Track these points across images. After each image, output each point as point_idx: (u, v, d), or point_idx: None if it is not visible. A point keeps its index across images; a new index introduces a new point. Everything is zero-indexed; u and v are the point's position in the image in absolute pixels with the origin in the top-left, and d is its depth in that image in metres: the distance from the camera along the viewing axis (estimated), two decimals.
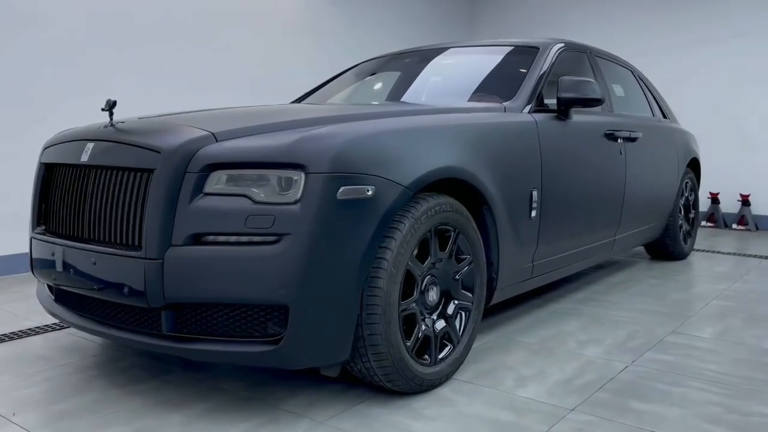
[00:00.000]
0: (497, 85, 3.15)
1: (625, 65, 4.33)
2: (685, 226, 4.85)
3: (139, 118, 2.29)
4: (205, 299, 1.91)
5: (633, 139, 3.74)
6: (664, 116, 4.66)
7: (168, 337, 2.00)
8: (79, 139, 2.24)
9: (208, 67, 5.29)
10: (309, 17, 6.19)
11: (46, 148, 2.41)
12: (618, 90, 4.09)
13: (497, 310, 3.29)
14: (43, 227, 2.39)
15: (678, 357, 2.60)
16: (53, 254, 2.23)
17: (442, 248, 2.28)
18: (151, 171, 1.97)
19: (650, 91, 4.60)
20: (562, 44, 3.44)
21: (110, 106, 2.16)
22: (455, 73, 3.44)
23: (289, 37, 6.01)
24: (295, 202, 1.87)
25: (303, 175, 1.88)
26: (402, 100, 3.41)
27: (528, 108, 2.91)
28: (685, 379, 2.37)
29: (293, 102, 3.91)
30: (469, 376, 2.38)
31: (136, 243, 1.99)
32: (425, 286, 2.22)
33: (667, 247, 4.66)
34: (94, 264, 2.06)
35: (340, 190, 1.89)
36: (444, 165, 2.21)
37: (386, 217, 1.99)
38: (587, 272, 4.29)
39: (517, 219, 2.64)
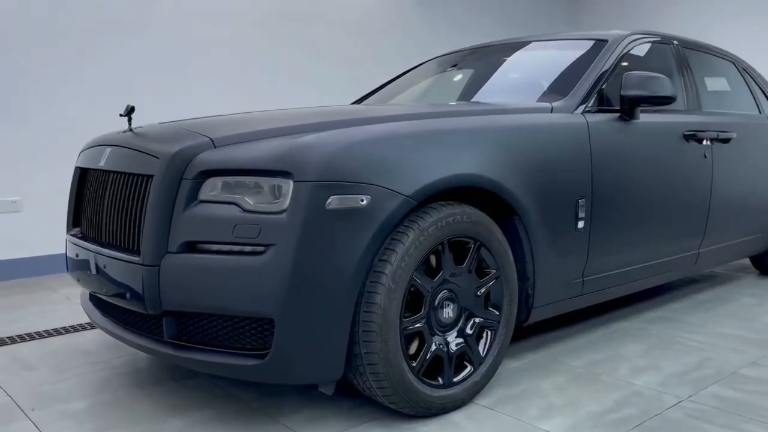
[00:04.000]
0: (557, 82, 2.89)
1: (725, 56, 3.85)
2: None
3: (159, 124, 2.31)
4: (198, 308, 1.88)
5: (725, 140, 3.31)
6: None
7: (168, 344, 1.99)
8: (101, 144, 2.30)
9: (290, 66, 5.36)
10: (403, 20, 6.11)
11: (81, 152, 2.50)
12: (713, 84, 3.65)
13: (551, 326, 3.04)
14: (78, 229, 2.48)
15: (746, 394, 2.25)
16: (77, 255, 2.31)
17: (461, 261, 2.11)
18: (150, 177, 1.96)
19: (758, 86, 4.07)
20: (637, 36, 3.11)
21: (128, 111, 2.19)
22: (517, 71, 3.22)
23: (390, 39, 5.96)
24: (282, 212, 1.79)
25: (291, 184, 1.80)
26: (459, 99, 3.23)
27: (582, 108, 2.64)
28: (743, 421, 2.03)
29: (353, 103, 3.83)
30: (492, 400, 2.19)
31: (137, 248, 1.99)
32: (439, 302, 2.06)
33: None
34: (105, 267, 2.10)
35: (330, 199, 1.79)
36: (458, 173, 2.03)
37: (383, 229, 1.86)
38: (670, 287, 3.88)
39: (559, 230, 2.40)
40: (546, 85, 2.95)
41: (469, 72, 3.70)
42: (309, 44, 5.48)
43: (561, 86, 2.82)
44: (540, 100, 2.76)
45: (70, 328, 3.07)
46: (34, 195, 4.25)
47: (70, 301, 3.60)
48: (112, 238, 2.14)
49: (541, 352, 2.69)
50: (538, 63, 3.17)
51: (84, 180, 2.45)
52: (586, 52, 3.02)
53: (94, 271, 2.18)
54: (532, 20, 7.49)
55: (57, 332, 3.01)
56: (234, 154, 1.90)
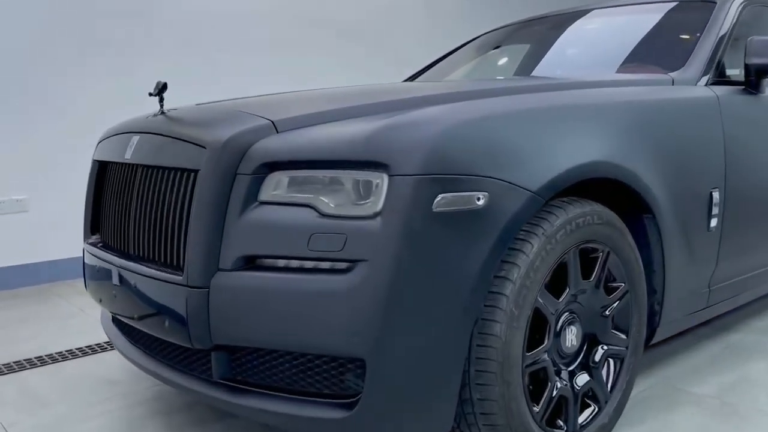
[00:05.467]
0: (657, 51, 2.42)
1: None
2: None
3: (196, 105, 1.86)
4: (259, 343, 1.44)
5: None
6: None
7: (219, 386, 1.55)
8: (126, 131, 1.85)
9: (322, 49, 4.90)
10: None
11: (100, 142, 2.05)
12: None
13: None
14: (98, 236, 2.03)
15: None
16: (98, 270, 1.86)
17: (586, 275, 1.66)
18: (194, 172, 1.51)
19: None
20: None
21: (159, 89, 1.73)
22: (600, 40, 2.74)
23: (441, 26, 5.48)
24: (375, 216, 1.34)
25: (385, 178, 1.34)
26: (533, 74, 2.77)
27: (705, 79, 2.17)
28: None
29: (405, 81, 3.37)
30: None
31: (178, 264, 1.55)
32: (561, 326, 1.61)
33: None
34: (135, 287, 1.66)
35: (438, 198, 1.33)
36: (591, 160, 1.58)
37: (505, 236, 1.41)
38: None
39: (692, 230, 1.94)
40: (624, 55, 2.48)
41: (526, 47, 3.25)
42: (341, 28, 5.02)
43: (665, 56, 2.35)
44: (621, 71, 2.30)
45: (87, 349, 2.63)
46: (42, 193, 3.81)
47: (85, 314, 3.16)
48: (143, 249, 1.69)
49: (653, 376, 2.23)
50: (623, 31, 2.69)
51: (104, 176, 2.00)
52: (685, 16, 2.55)
53: (119, 290, 1.74)
54: None
55: (73, 354, 2.57)
56: (305, 141, 1.45)
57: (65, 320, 3.05)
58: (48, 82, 3.78)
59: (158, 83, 1.75)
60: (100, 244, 1.96)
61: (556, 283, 1.58)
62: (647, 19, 2.64)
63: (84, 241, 2.04)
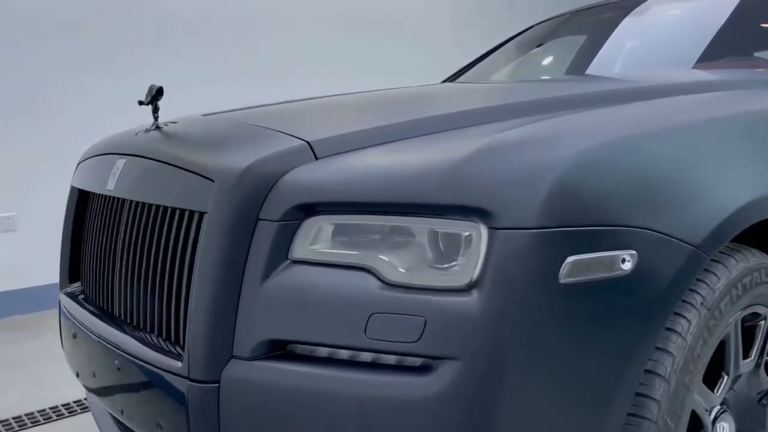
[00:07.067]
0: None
1: None
2: None
3: (204, 116, 1.41)
4: None
5: None
6: None
7: None
8: (108, 152, 1.39)
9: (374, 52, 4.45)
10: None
11: (80, 163, 1.60)
12: None
13: None
14: (78, 285, 1.59)
15: None
16: (74, 335, 1.42)
17: (744, 353, 1.19)
18: (200, 215, 1.06)
19: None
20: None
21: (153, 95, 1.28)
22: (677, 31, 2.27)
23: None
24: (469, 288, 0.89)
25: (484, 232, 0.89)
26: (587, 73, 2.32)
27: None
28: None
29: (444, 81, 2.90)
30: None
31: (176, 342, 1.11)
32: (714, 418, 1.15)
33: None
34: (120, 368, 1.21)
35: (567, 262, 0.88)
36: (761, 195, 1.11)
37: (659, 314, 0.95)
38: None
39: None
40: (717, 47, 2.01)
41: (582, 39, 2.79)
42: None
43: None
44: (710, 67, 1.83)
45: (85, 403, 2.19)
46: (32, 210, 3.38)
47: None
48: (132, 314, 1.25)
49: None
50: (708, 18, 2.21)
51: (85, 208, 1.56)
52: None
53: (100, 367, 1.29)
54: None
55: (68, 410, 2.13)
56: (358, 172, 0.99)
57: (57, 363, 2.62)
58: (38, 83, 3.35)
59: (151, 88, 1.30)
60: (81, 297, 1.51)
61: (711, 371, 1.12)
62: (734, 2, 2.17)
63: (60, 289, 1.59)
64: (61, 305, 1.55)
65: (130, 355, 1.17)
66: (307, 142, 1.06)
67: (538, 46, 2.90)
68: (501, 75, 2.85)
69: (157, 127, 1.33)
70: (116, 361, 1.21)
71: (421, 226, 0.94)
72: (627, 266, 0.91)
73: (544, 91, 1.33)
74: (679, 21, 2.31)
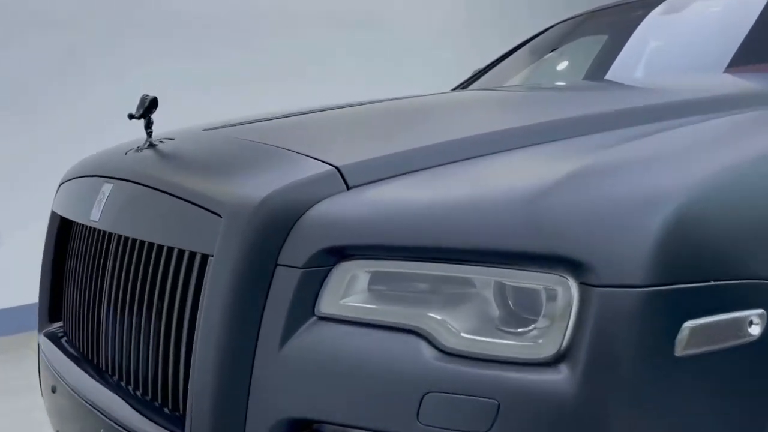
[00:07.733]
0: None
1: None
2: None
3: (205, 131, 1.20)
4: None
5: None
6: None
7: None
8: (92, 174, 1.18)
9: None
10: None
11: (61, 185, 1.38)
12: None
13: None
14: (59, 326, 1.38)
15: None
16: (54, 389, 1.21)
17: None
18: (204, 258, 0.86)
19: None
20: None
21: (145, 107, 1.07)
22: (706, 31, 2.07)
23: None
24: (555, 362, 0.68)
25: (575, 288, 0.68)
26: (607, 77, 2.13)
27: None
28: None
29: (456, 89, 2.71)
30: None
31: (176, 405, 0.90)
32: None
33: None
34: None
35: (684, 329, 0.67)
36: None
37: None
38: None
39: None
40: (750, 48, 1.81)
41: (603, 40, 2.61)
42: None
43: None
44: (740, 71, 1.64)
45: None
46: (18, 224, 3.16)
47: None
48: (120, 369, 1.04)
49: None
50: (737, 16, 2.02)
51: (68, 237, 1.34)
52: None
53: (84, 429, 1.08)
54: None
55: None
56: (400, 206, 0.79)
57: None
58: (27, 85, 3.14)
59: (144, 98, 1.09)
60: (63, 339, 1.31)
61: None
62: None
63: (39, 330, 1.38)
64: (41, 349, 1.34)
65: (117, 423, 0.96)
66: (337, 168, 0.86)
67: (561, 45, 2.72)
68: (534, 78, 2.67)
69: (151, 145, 1.12)
70: (102, 430, 1.00)
71: (484, 277, 0.74)
72: (755, 330, 0.71)
73: (608, 100, 1.13)
74: (706, 21, 2.12)
